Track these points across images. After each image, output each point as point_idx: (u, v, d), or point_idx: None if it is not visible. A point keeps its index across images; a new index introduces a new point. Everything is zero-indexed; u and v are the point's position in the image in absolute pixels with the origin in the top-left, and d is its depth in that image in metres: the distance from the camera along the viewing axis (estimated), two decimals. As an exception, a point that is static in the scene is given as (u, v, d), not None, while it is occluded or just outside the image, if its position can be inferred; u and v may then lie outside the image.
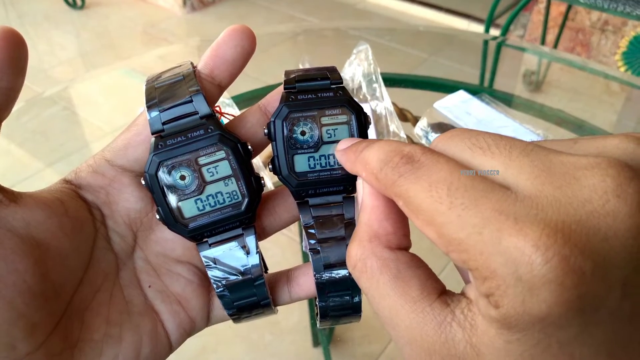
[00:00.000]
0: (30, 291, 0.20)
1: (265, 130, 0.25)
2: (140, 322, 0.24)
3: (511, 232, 0.14)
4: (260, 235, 0.27)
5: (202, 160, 0.24)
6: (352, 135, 0.25)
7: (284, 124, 0.24)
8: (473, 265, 0.15)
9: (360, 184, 0.20)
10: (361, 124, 0.25)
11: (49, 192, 0.23)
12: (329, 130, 0.25)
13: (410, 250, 0.20)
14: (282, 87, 0.25)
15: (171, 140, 0.23)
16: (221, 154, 0.24)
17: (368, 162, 0.19)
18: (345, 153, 0.21)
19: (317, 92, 0.25)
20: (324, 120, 0.25)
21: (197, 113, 0.24)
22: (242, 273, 0.25)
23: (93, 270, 0.24)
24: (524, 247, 0.14)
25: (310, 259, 0.25)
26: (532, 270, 0.14)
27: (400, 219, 0.19)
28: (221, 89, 0.25)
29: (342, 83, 0.25)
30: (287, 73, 0.26)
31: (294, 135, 0.25)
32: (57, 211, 0.22)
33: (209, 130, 0.23)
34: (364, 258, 0.19)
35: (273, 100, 0.26)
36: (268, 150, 0.27)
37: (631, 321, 0.15)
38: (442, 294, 0.18)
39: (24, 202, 0.21)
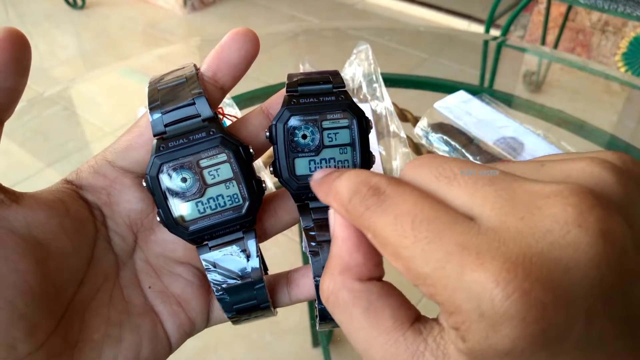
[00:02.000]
0: (31, 291, 0.20)
1: (267, 133, 0.25)
2: (140, 323, 0.24)
3: (473, 267, 0.14)
4: (261, 237, 0.27)
5: (204, 163, 0.24)
6: (353, 139, 0.25)
7: (286, 128, 0.25)
8: (439, 300, 0.15)
9: (331, 214, 0.20)
10: (362, 128, 0.25)
11: (50, 193, 0.23)
12: (330, 134, 0.25)
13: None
14: (284, 90, 0.25)
15: (173, 143, 0.23)
16: (223, 156, 0.24)
17: (338, 192, 0.19)
18: (320, 184, 0.21)
19: (319, 95, 0.25)
20: (326, 124, 0.25)
21: (200, 116, 0.24)
22: (242, 277, 0.25)
23: (93, 271, 0.24)
24: (485, 282, 0.14)
25: (310, 262, 0.25)
26: (494, 306, 0.14)
27: (371, 249, 0.19)
28: (224, 91, 0.25)
29: (344, 87, 0.25)
30: (289, 76, 0.26)
31: (295, 139, 0.25)
32: (59, 211, 0.22)
33: (211, 133, 0.24)
34: (336, 291, 0.19)
35: (275, 103, 0.26)
36: (269, 150, 0.27)
37: (600, 349, 0.15)
38: (416, 321, 0.18)
39: (26, 202, 0.21)
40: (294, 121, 0.25)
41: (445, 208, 0.16)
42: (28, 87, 0.22)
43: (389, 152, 0.61)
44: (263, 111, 0.26)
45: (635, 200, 0.16)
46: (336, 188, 0.19)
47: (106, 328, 0.23)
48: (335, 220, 0.20)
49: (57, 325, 0.21)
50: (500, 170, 0.17)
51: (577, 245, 0.14)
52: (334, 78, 0.25)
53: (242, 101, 0.71)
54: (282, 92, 0.26)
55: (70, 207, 0.23)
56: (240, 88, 0.74)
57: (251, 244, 0.25)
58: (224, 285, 0.25)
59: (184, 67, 0.26)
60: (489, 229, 0.15)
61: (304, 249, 0.26)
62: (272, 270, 0.28)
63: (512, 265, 0.14)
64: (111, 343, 0.23)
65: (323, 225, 0.25)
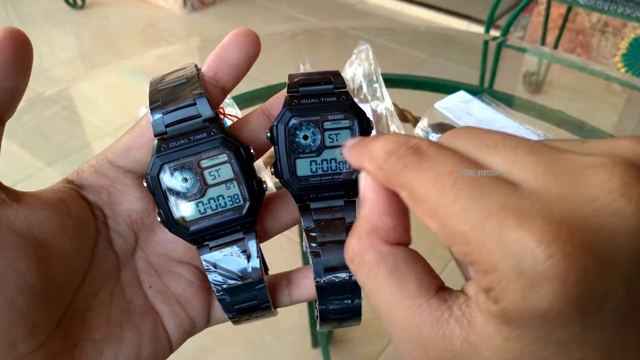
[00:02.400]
0: (31, 290, 0.20)
1: (268, 134, 0.25)
2: (141, 323, 0.24)
3: (514, 226, 0.14)
4: (262, 237, 0.27)
5: (204, 164, 0.24)
6: None
7: (287, 128, 0.25)
8: (474, 259, 0.15)
9: (362, 177, 0.20)
10: (363, 128, 0.25)
11: (51, 192, 0.23)
12: (331, 134, 0.25)
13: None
14: (285, 90, 0.25)
15: (174, 143, 0.23)
16: (223, 157, 0.24)
17: (374, 153, 0.19)
18: (353, 149, 0.21)
19: (320, 96, 0.25)
20: (327, 124, 0.25)
21: (200, 116, 0.24)
22: (242, 277, 0.25)
23: (94, 270, 0.24)
24: (526, 241, 0.14)
25: (311, 262, 0.25)
26: (535, 265, 0.14)
27: (401, 215, 0.19)
28: (225, 92, 0.25)
29: (345, 87, 0.25)
30: (290, 77, 0.26)
31: (296, 140, 0.25)
32: (60, 211, 0.22)
33: (212, 134, 0.24)
34: (362, 252, 0.19)
35: (276, 103, 0.26)
36: (269, 150, 0.27)
37: (633, 322, 0.15)
38: (440, 290, 0.18)
39: (27, 201, 0.21)
40: (295, 122, 0.25)
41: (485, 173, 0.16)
42: (28, 87, 0.22)
43: (389, 153, 0.61)
44: (264, 112, 0.26)
45: None
46: (371, 148, 0.19)
47: (107, 328, 0.23)
48: (366, 183, 0.19)
49: (57, 325, 0.21)
50: (541, 143, 0.17)
51: (621, 214, 0.14)
52: (335, 78, 0.25)
53: (242, 101, 0.71)
54: (283, 93, 0.26)
55: (71, 206, 0.23)
56: (241, 88, 0.74)
57: (252, 245, 0.25)
58: (224, 286, 0.25)
59: (185, 68, 0.26)
60: (531, 193, 0.15)
61: (304, 249, 0.27)
62: (272, 271, 0.28)
63: (555, 227, 0.14)
64: (112, 343, 0.23)
65: (324, 226, 0.25)
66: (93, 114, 0.93)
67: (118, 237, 0.25)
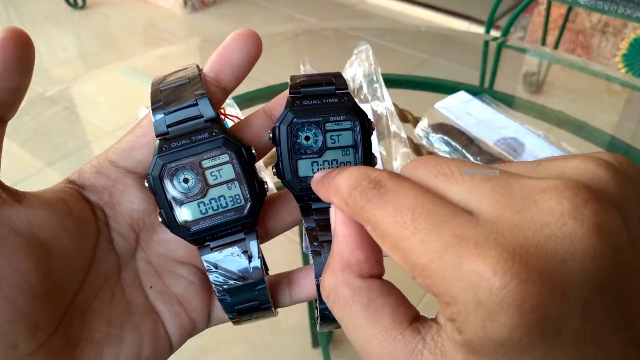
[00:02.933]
0: (32, 291, 0.20)
1: (270, 135, 0.25)
2: (141, 323, 0.24)
3: (470, 257, 0.15)
4: (263, 238, 0.27)
5: (206, 164, 0.24)
6: (355, 141, 0.25)
7: (289, 130, 0.25)
8: (436, 291, 0.16)
9: (332, 212, 0.20)
10: (365, 129, 0.25)
11: (53, 192, 0.23)
12: (333, 136, 0.25)
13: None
14: (287, 91, 0.25)
15: (175, 143, 0.23)
16: (225, 157, 0.24)
17: (338, 187, 0.19)
18: (320, 183, 0.21)
19: (322, 97, 0.25)
20: (328, 126, 0.25)
21: (202, 116, 0.24)
22: (243, 278, 0.25)
23: (95, 271, 0.24)
24: (482, 271, 0.14)
25: (312, 262, 0.25)
26: (491, 295, 0.14)
27: (372, 247, 0.20)
28: (226, 92, 0.25)
29: (347, 89, 0.25)
30: (292, 78, 0.26)
31: (298, 141, 0.25)
32: (61, 211, 0.22)
33: (214, 134, 0.24)
34: (337, 287, 0.19)
35: (278, 104, 0.26)
36: (270, 151, 0.27)
37: (594, 342, 0.15)
38: (414, 320, 0.18)
39: (28, 201, 0.21)
40: (297, 123, 0.25)
41: (444, 202, 0.17)
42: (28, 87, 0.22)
43: (390, 153, 0.61)
44: (265, 112, 0.26)
45: (629, 197, 0.16)
46: (336, 183, 0.19)
47: (107, 328, 0.23)
48: (336, 217, 0.20)
49: (58, 325, 0.21)
50: (497, 169, 0.17)
51: (573, 237, 0.15)
52: (336, 80, 0.25)
53: (242, 101, 0.71)
54: (285, 94, 0.26)
55: (72, 206, 0.23)
56: (241, 88, 0.74)
57: (253, 245, 0.25)
58: (225, 286, 0.25)
59: (186, 68, 0.26)
60: (486, 221, 0.15)
61: (304, 249, 0.27)
62: (272, 271, 0.28)
63: (509, 256, 0.14)
64: (112, 343, 0.23)
65: (325, 225, 0.25)
66: (93, 114, 0.93)
67: (119, 238, 0.25)
